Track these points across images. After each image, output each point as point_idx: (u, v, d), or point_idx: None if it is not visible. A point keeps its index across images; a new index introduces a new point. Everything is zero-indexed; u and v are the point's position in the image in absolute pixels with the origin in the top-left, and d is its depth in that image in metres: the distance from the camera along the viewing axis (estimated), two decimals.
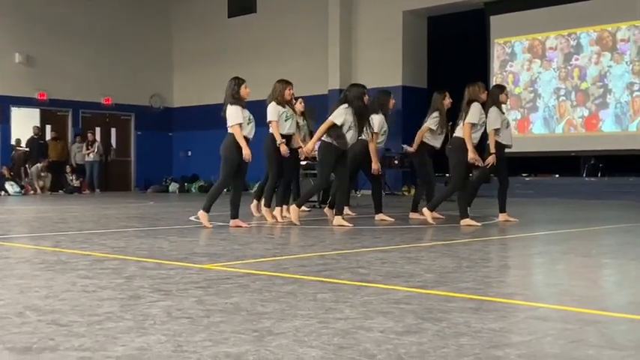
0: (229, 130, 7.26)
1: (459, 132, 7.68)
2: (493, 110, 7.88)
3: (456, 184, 7.70)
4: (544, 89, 16.90)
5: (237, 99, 7.27)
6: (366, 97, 7.58)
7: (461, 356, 2.25)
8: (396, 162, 16.88)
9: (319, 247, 5.64)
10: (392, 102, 8.81)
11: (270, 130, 8.21)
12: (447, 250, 5.31)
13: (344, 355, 2.26)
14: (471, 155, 7.47)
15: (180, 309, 3.00)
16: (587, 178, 15.86)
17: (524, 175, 17.21)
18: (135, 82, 21.97)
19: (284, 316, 2.85)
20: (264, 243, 5.91)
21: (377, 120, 8.27)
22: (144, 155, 22.33)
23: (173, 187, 20.92)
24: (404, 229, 7.52)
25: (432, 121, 8.69)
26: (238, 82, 7.36)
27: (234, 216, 7.32)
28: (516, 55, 17.41)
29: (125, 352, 2.28)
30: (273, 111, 8.20)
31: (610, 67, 15.92)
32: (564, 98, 16.54)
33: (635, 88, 15.56)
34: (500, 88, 8.33)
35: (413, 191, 17.26)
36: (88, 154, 20.12)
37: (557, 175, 16.70)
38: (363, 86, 7.74)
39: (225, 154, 7.23)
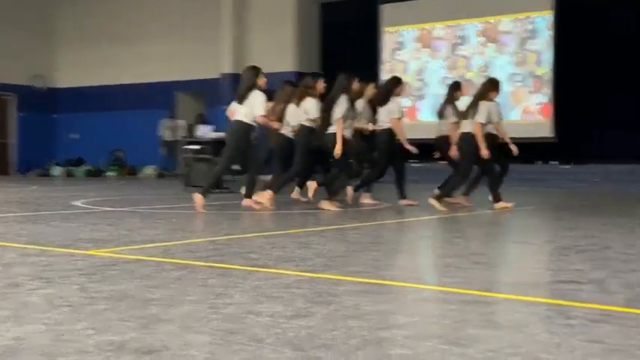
0: (242, 118, 7.46)
1: (468, 127, 8.09)
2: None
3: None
4: (432, 78, 17.38)
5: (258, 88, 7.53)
6: (263, 80, 7.69)
7: (349, 338, 2.28)
8: None
9: (210, 232, 5.58)
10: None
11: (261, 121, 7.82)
12: (338, 235, 5.37)
13: (232, 340, 2.25)
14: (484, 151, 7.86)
15: (62, 297, 2.89)
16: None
17: (411, 161, 17.65)
18: (16, 61, 20.93)
19: (172, 303, 2.80)
20: (153, 228, 5.78)
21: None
22: (26, 138, 21.35)
23: (57, 171, 20.13)
24: (296, 214, 7.56)
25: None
26: (257, 71, 7.70)
27: (248, 196, 7.64)
28: (406, 44, 17.79)
29: (0, 343, 2.17)
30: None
31: (494, 57, 16.55)
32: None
33: (517, 79, 16.25)
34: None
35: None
36: None
37: (444, 162, 17.20)
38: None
39: (238, 141, 7.47)
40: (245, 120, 7.51)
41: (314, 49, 18.96)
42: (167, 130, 18.46)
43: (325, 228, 5.89)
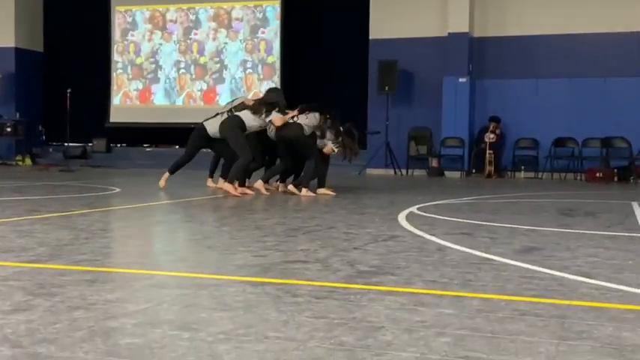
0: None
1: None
2: None
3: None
4: (165, 61, 17.15)
5: None
6: None
7: (74, 330, 2.16)
8: (9, 129, 15.77)
9: None
10: None
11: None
12: (65, 222, 5.09)
13: None
14: None
15: None
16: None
17: (145, 145, 17.34)
18: None
19: None
20: None
21: None
22: None
23: None
24: (18, 201, 7.03)
25: None
26: None
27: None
28: (138, 24, 17.35)
29: None
30: None
31: (226, 43, 16.77)
32: (184, 71, 16.98)
33: (248, 65, 16.63)
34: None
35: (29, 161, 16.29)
36: None
37: (177, 147, 17.12)
38: None
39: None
40: None
41: (37, 25, 17.70)
42: None
43: (50, 215, 5.55)
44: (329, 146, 8.48)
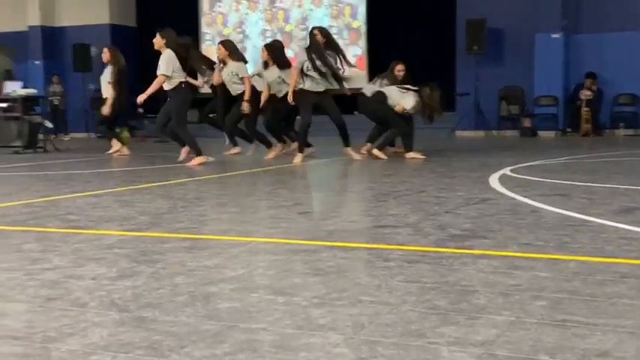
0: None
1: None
2: None
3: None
4: (252, 30, 17.32)
5: None
6: None
7: (176, 295, 2.26)
8: None
9: (24, 194, 5.27)
10: None
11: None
12: (163, 192, 5.27)
13: (53, 306, 2.15)
14: None
15: None
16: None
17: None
18: None
19: None
20: None
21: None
22: None
23: None
24: (116, 172, 7.32)
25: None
26: None
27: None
28: None
29: None
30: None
31: (311, 10, 16.76)
32: (271, 39, 17.09)
33: (334, 31, 16.57)
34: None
35: None
36: None
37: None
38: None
39: None
40: None
41: (129, 1, 18.18)
42: None
43: (149, 185, 5.76)
44: (401, 104, 8.36)
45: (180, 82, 7.76)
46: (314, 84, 8.05)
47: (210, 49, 17.71)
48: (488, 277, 2.45)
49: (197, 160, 7.80)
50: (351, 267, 2.66)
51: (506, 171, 6.43)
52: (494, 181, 5.60)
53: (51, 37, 17.60)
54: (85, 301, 2.20)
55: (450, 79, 14.60)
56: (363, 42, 16.31)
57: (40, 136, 10.82)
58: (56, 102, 16.48)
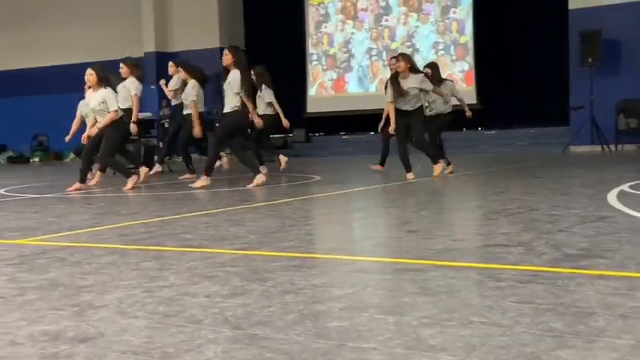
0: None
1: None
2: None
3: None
4: (357, 49, 17.44)
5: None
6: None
7: (286, 314, 2.29)
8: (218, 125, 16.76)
9: (142, 214, 5.50)
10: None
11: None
12: (271, 211, 5.37)
13: (170, 323, 2.23)
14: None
15: None
16: None
17: (341, 133, 17.75)
18: None
19: (106, 288, 2.75)
20: (82, 213, 5.66)
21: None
22: None
23: None
24: (230, 192, 7.51)
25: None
26: None
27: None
28: (330, 16, 17.78)
29: None
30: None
31: (417, 27, 16.71)
32: (376, 58, 17.16)
33: (440, 47, 16.46)
34: None
35: None
36: None
37: (372, 133, 17.37)
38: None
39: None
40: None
41: (238, 24, 18.74)
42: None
43: (258, 204, 5.88)
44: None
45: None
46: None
47: (316, 69, 17.98)
48: (607, 298, 2.35)
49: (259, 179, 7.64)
50: (461, 287, 2.62)
51: (625, 187, 6.16)
52: (611, 197, 5.37)
53: (165, 62, 18.35)
54: (200, 318, 2.27)
55: (563, 92, 14.18)
56: (470, 57, 16.11)
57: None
58: (167, 125, 17.13)
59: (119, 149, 8.27)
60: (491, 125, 15.76)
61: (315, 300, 2.47)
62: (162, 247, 3.76)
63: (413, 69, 8.21)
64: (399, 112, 8.18)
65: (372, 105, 16.98)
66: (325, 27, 17.83)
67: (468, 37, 16.15)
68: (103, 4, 19.15)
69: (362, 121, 17.33)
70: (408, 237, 3.92)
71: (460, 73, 16.29)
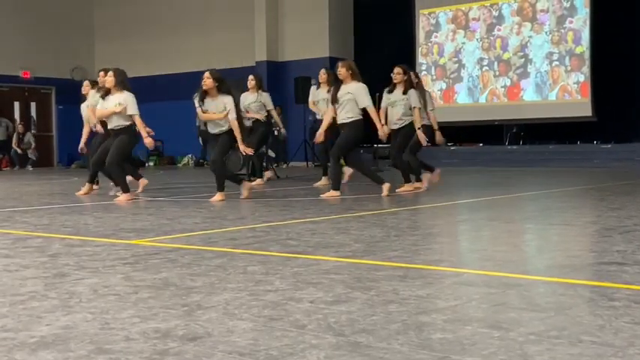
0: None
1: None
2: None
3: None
4: (468, 59, 17.19)
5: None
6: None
7: (389, 323, 2.29)
8: None
9: (249, 220, 5.63)
10: None
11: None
12: (376, 220, 5.38)
13: (274, 326, 2.27)
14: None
15: (107, 286, 2.95)
16: (509, 147, 16.30)
17: (449, 144, 17.50)
18: (55, 55, 21.25)
19: (214, 290, 2.84)
20: (193, 217, 5.85)
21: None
22: (66, 130, 21.69)
23: None
24: (331, 200, 7.57)
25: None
26: None
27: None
28: (441, 25, 17.62)
29: (50, 332, 2.23)
30: None
31: (530, 37, 16.30)
32: (487, 68, 16.86)
33: (554, 57, 15.98)
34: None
35: None
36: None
37: (481, 144, 17.08)
38: None
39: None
40: None
41: (348, 34, 18.88)
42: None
43: (364, 213, 5.90)
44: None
45: None
46: None
47: (425, 78, 17.84)
48: None
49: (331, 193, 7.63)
50: (571, 304, 2.53)
51: None
52: None
53: (275, 71, 18.76)
54: (304, 323, 2.30)
55: None
56: (586, 68, 15.56)
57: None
58: (276, 132, 17.46)
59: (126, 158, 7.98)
60: (607, 139, 15.15)
61: (419, 311, 2.46)
62: (268, 252, 3.83)
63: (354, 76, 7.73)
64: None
65: (481, 116, 16.72)
66: (435, 36, 17.67)
67: (584, 47, 15.60)
68: (218, 16, 19.77)
69: (470, 132, 17.07)
70: (515, 250, 3.82)
71: (575, 85, 15.76)
